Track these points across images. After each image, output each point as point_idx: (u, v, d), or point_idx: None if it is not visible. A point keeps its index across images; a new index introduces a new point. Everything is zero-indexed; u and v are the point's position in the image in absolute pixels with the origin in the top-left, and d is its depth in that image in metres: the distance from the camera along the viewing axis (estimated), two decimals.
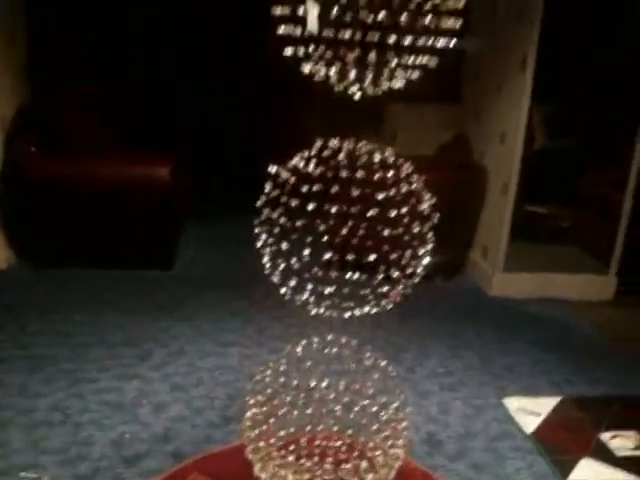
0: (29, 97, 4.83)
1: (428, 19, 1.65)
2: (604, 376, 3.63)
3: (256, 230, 1.85)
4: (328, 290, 1.81)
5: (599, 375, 3.64)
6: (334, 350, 2.11)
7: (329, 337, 2.09)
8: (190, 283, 4.48)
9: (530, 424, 3.08)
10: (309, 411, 2.13)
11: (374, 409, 2.13)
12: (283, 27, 1.71)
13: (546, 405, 3.26)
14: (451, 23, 1.67)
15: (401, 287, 1.85)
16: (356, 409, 2.12)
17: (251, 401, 2.10)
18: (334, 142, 1.82)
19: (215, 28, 5.93)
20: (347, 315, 1.86)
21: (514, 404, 3.24)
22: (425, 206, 1.84)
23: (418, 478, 2.55)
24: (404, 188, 1.84)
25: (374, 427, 2.08)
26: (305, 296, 1.85)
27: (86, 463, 2.55)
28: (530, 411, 3.19)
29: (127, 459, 2.60)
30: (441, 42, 1.70)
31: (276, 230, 1.84)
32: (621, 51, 4.91)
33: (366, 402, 2.12)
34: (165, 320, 3.87)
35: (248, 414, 2.09)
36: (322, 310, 1.87)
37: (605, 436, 3.04)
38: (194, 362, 3.42)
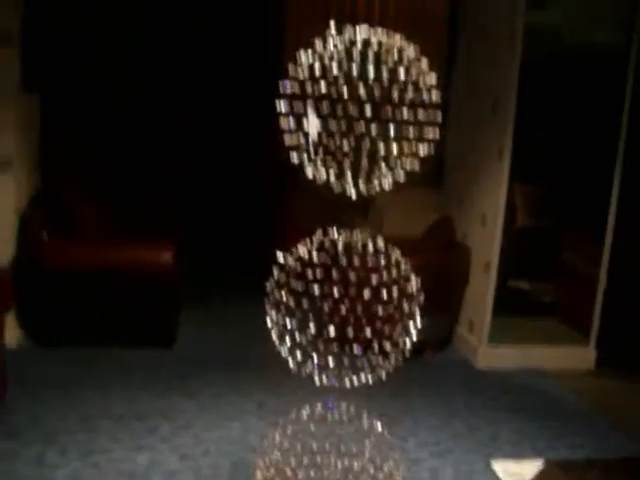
0: (41, 186, 5.15)
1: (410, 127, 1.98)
2: (585, 441, 3.87)
3: (266, 309, 2.13)
4: (330, 362, 2.08)
5: (580, 441, 3.88)
6: (333, 417, 2.36)
7: (328, 406, 2.34)
8: (191, 361, 4.70)
9: None
10: (312, 473, 2.36)
11: (371, 471, 2.37)
12: (288, 137, 2.03)
13: (530, 468, 3.50)
14: (431, 134, 2.00)
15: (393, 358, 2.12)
16: (355, 470, 2.35)
17: (259, 466, 2.33)
18: (333, 232, 2.12)
19: (220, 120, 6.29)
20: (347, 384, 2.12)
21: (500, 468, 3.47)
22: (412, 287, 2.13)
23: None
24: (394, 271, 2.13)
25: None
26: (309, 368, 2.12)
27: None
28: (516, 474, 3.42)
29: None
30: (423, 150, 2.02)
31: (283, 310, 2.12)
32: (590, 135, 5.29)
33: (363, 464, 2.36)
34: (170, 396, 4.09)
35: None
36: (325, 380, 2.13)
37: None
38: (200, 434, 3.64)
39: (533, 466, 3.53)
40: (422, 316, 4.62)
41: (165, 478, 3.18)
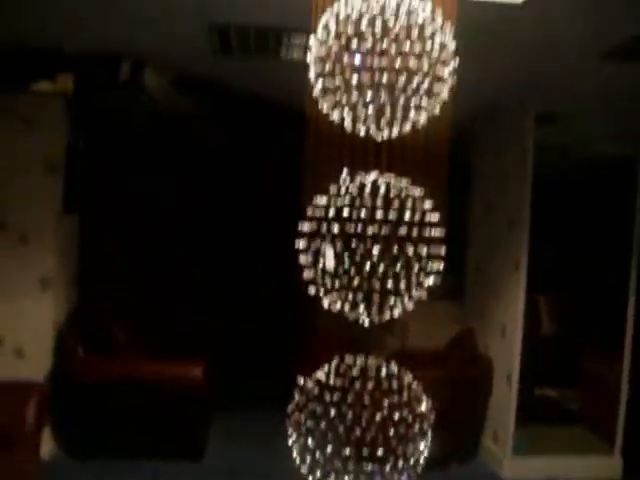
0: (78, 301, 5.42)
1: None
2: None
3: (288, 429, 2.29)
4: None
5: None
6: None
7: None
8: (217, 473, 4.80)
9: None
10: None
11: None
12: (305, 272, 2.24)
13: None
14: (435, 266, 2.20)
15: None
16: None
17: None
18: (349, 358, 2.29)
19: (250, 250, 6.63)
20: None
21: None
22: (423, 408, 2.27)
23: None
24: (406, 394, 2.29)
25: None
26: None
27: None
28: None
29: None
30: (429, 281, 2.22)
31: (303, 430, 2.27)
32: (604, 245, 5.47)
33: None
34: None
35: None
36: None
37: None
38: None
39: None
40: (446, 429, 4.71)
41: None
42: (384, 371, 2.28)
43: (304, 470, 2.28)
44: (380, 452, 2.25)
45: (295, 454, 2.31)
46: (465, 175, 6.04)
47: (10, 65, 4.96)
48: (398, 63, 2.09)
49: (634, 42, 3.63)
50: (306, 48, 4.18)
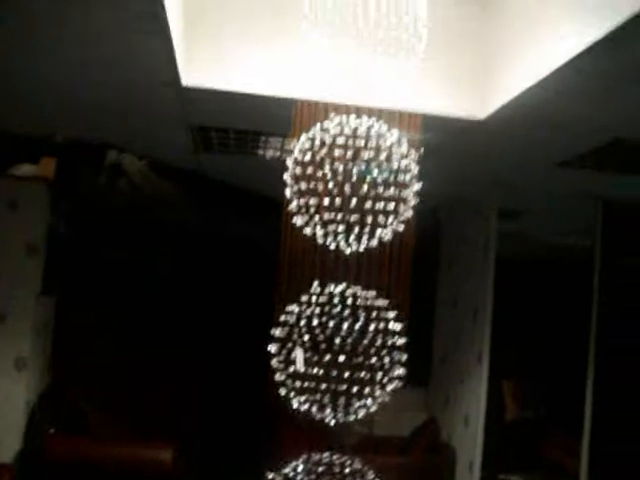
0: (51, 381, 5.50)
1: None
2: None
3: None
4: None
5: None
6: None
7: None
8: None
9: None
10: None
11: None
12: (277, 374, 2.42)
13: None
14: (396, 372, 2.39)
15: None
16: None
17: None
18: (315, 457, 2.46)
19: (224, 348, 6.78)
20: None
21: None
22: None
23: None
24: None
25: None
26: None
27: None
28: None
29: None
30: (392, 385, 2.40)
31: None
32: (563, 331, 5.69)
33: None
34: None
35: None
36: None
37: None
38: None
39: None
40: None
41: None
42: (348, 468, 2.44)
43: None
44: None
45: None
46: (433, 265, 6.28)
47: None
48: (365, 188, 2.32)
49: (587, 155, 3.94)
50: (281, 149, 4.47)
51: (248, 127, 4.08)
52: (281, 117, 3.20)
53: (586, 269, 5.43)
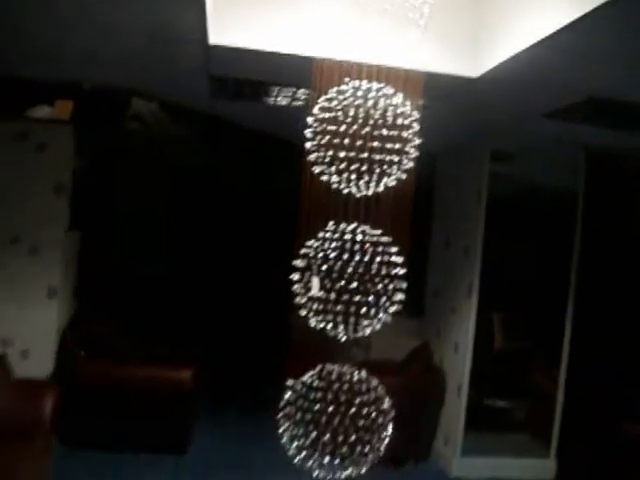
0: (77, 310, 6.02)
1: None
2: None
3: (279, 421, 2.93)
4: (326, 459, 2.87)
5: None
6: None
7: None
8: (202, 464, 5.41)
9: None
10: None
11: None
12: (298, 298, 2.90)
13: None
14: (397, 297, 2.87)
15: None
16: None
17: None
18: (329, 367, 2.95)
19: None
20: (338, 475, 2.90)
21: None
22: (385, 406, 2.94)
23: None
24: (373, 394, 2.95)
25: None
26: (310, 463, 2.91)
27: None
28: None
29: None
30: (393, 308, 2.88)
31: (291, 421, 2.92)
32: (547, 267, 6.16)
33: None
34: None
35: None
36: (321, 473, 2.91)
37: None
38: None
39: None
40: (402, 432, 5.39)
41: None
42: (356, 376, 2.94)
43: (292, 452, 2.93)
44: (352, 439, 2.90)
45: (285, 440, 2.96)
46: (429, 207, 6.75)
47: (14, 92, 5.54)
48: (376, 143, 2.77)
49: (566, 109, 4.38)
50: (292, 98, 4.88)
51: (264, 79, 4.47)
52: (295, 71, 3.69)
53: (570, 210, 5.90)
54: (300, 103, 4.87)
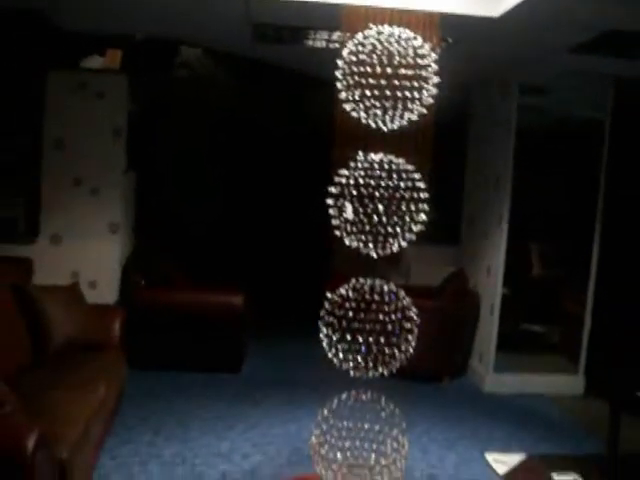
0: (136, 245, 6.57)
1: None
2: (565, 444, 5.00)
3: (320, 328, 3.38)
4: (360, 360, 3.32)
5: (560, 443, 5.01)
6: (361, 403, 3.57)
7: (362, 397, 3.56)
8: (255, 381, 5.96)
9: (501, 469, 4.46)
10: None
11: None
12: (333, 220, 3.31)
13: (515, 458, 4.64)
14: (421, 216, 3.26)
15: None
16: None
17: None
18: (362, 280, 3.38)
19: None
20: (371, 374, 3.35)
21: (491, 458, 4.62)
22: (413, 314, 3.36)
23: None
24: (400, 303, 3.37)
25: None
26: (347, 365, 3.36)
27: None
28: (503, 462, 4.57)
29: None
30: (417, 228, 3.28)
31: (330, 328, 3.37)
32: (576, 198, 6.44)
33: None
34: (241, 405, 5.34)
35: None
36: (356, 373, 3.36)
37: (555, 475, 4.41)
38: (265, 431, 4.88)
39: (517, 457, 4.67)
40: (440, 350, 5.83)
41: (242, 458, 4.41)
42: (386, 288, 3.36)
43: (330, 355, 3.39)
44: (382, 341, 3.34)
45: (324, 344, 3.41)
46: (463, 140, 7.07)
47: (69, 45, 5.97)
48: (398, 82, 3.13)
49: (589, 43, 4.64)
50: (328, 40, 5.23)
51: (301, 24, 4.82)
52: (328, 17, 4.04)
53: (598, 141, 6.15)
54: (335, 45, 5.21)
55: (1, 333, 4.09)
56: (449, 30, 3.37)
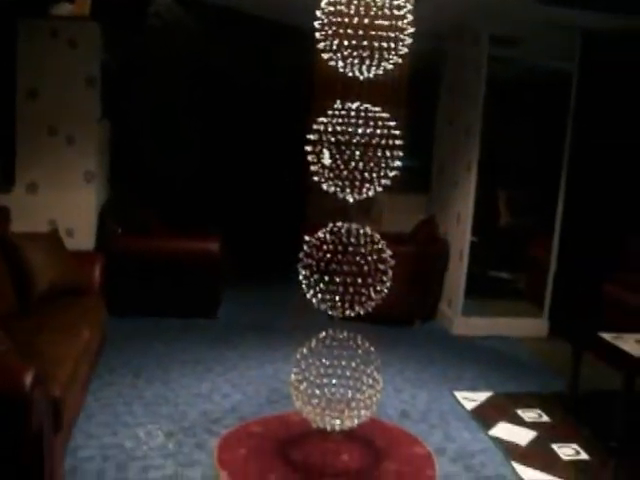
0: (111, 193, 6.63)
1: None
2: (530, 382, 5.25)
3: (299, 269, 3.52)
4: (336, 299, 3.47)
5: (526, 382, 5.25)
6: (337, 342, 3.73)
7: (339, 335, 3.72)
8: (232, 326, 6.12)
9: (469, 405, 4.69)
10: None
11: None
12: (311, 167, 3.43)
13: (482, 396, 4.88)
14: (395, 163, 3.40)
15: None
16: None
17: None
18: (339, 223, 3.51)
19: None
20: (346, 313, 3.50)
21: (460, 395, 4.86)
22: (386, 255, 3.51)
23: (386, 428, 4.16)
24: (375, 246, 3.52)
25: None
26: (324, 305, 3.51)
27: (185, 422, 4.16)
28: (471, 399, 4.81)
29: (211, 421, 4.20)
30: (391, 173, 3.41)
31: (308, 269, 3.51)
32: (543, 147, 6.62)
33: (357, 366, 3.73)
34: (219, 348, 5.51)
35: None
36: (336, 312, 3.52)
37: (519, 411, 4.65)
38: (244, 372, 5.05)
39: (484, 395, 4.91)
40: (411, 295, 6.00)
41: (223, 397, 4.58)
42: (361, 231, 3.50)
43: (308, 295, 3.53)
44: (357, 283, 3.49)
45: (304, 286, 3.55)
46: (435, 90, 7.18)
47: None
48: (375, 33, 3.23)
49: None
50: None
51: None
52: None
53: (565, 93, 6.30)
54: None
55: None
56: None
